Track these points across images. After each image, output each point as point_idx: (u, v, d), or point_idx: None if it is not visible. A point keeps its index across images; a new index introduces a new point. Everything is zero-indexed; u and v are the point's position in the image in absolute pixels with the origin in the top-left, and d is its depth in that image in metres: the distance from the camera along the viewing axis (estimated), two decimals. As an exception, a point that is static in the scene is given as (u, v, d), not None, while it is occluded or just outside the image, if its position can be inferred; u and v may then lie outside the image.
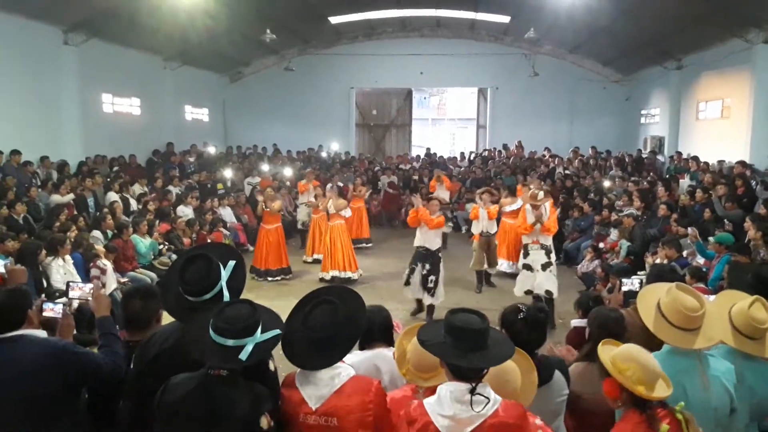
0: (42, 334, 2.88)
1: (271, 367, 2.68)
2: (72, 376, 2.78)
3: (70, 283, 3.50)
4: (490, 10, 18.29)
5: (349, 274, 10.37)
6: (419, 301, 8.60)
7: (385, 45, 21.41)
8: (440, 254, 8.54)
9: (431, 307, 8.47)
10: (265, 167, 17.06)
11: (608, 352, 2.63)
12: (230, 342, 2.35)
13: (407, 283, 8.52)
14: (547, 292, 8.03)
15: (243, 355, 2.34)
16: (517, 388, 2.60)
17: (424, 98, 30.26)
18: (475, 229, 10.16)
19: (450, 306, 3.10)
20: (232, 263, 2.76)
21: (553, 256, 8.36)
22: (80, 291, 3.46)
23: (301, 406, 2.58)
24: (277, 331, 2.50)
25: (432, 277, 8.28)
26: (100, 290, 3.35)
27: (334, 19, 19.13)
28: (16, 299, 2.85)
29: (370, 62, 21.33)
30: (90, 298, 3.31)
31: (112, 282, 7.93)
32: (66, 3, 11.86)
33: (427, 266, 8.31)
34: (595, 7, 13.32)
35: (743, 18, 12.58)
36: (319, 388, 2.58)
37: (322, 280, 10.24)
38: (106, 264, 7.95)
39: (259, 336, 2.42)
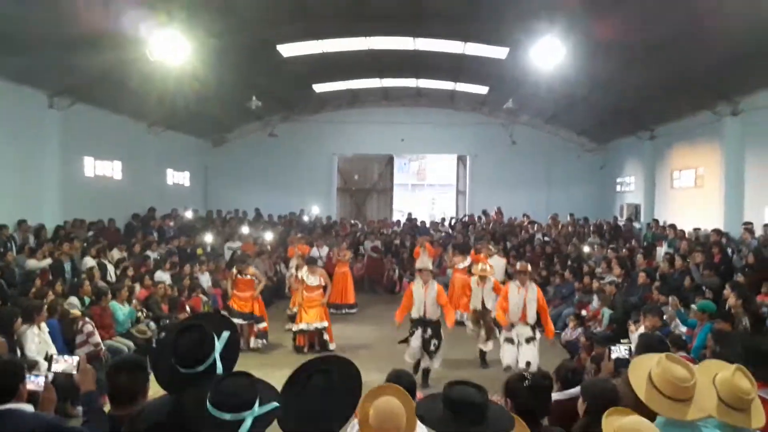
0: (29, 408, 2.79)
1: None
2: None
3: (54, 356, 3.36)
4: (469, 81, 18.90)
5: (323, 324, 10.41)
6: (417, 365, 8.67)
7: (367, 113, 21.92)
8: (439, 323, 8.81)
9: (427, 371, 8.60)
10: (245, 229, 17.02)
11: (615, 421, 2.59)
12: (228, 416, 2.28)
13: (405, 341, 8.75)
14: (527, 363, 8.06)
15: (243, 430, 2.28)
16: None
17: (405, 164, 30.78)
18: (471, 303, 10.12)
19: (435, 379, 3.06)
20: (226, 334, 2.71)
21: (538, 332, 8.42)
22: (65, 363, 3.31)
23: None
24: (275, 404, 2.44)
25: (435, 341, 8.57)
26: (86, 363, 3.23)
27: (319, 87, 19.61)
28: (8, 372, 2.77)
29: (352, 129, 21.78)
30: (75, 371, 3.19)
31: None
32: (56, 70, 12.00)
33: (429, 331, 8.59)
34: (571, 79, 13.84)
35: (712, 91, 13.16)
36: None
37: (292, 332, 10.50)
38: (92, 325, 7.90)
39: (258, 409, 2.36)
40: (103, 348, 7.96)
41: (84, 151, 14.93)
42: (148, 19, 10.05)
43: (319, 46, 15.12)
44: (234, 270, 10.74)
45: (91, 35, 10.42)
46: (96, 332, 8.00)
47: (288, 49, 14.92)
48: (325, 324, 10.43)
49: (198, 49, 10.96)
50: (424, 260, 12.39)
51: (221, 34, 11.94)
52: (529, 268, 8.79)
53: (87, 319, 8.05)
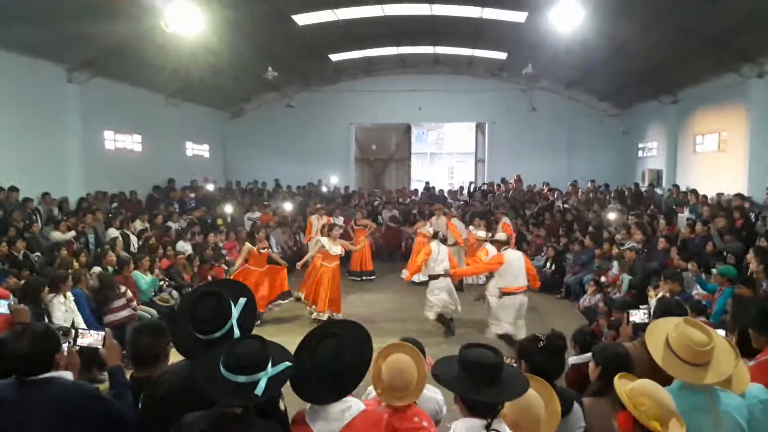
0: (69, 376, 2.82)
1: (281, 406, 2.66)
2: (98, 423, 2.72)
3: (80, 330, 3.36)
4: (487, 47, 18.59)
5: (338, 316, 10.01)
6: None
7: (384, 81, 21.72)
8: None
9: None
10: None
11: (624, 385, 2.62)
12: (242, 378, 2.33)
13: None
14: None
15: (258, 391, 2.32)
16: (541, 415, 2.59)
17: (423, 133, 30.53)
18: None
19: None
20: (243, 300, 2.74)
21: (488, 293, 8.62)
22: (90, 338, 3.32)
23: (313, 442, 2.55)
24: (288, 363, 2.48)
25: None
26: (111, 338, 3.28)
27: (335, 57, 19.45)
28: (47, 342, 2.78)
29: (369, 98, 21.60)
30: (101, 346, 3.22)
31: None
32: (73, 43, 12.06)
33: None
34: (591, 42, 13.54)
35: (737, 53, 12.79)
36: (330, 423, 2.57)
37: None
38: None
39: (271, 370, 2.40)
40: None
41: (104, 125, 15.07)
42: (162, -11, 10.01)
43: (335, 14, 14.95)
44: (249, 246, 10.27)
45: (105, 3, 10.41)
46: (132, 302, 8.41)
47: (303, 19, 14.77)
48: (339, 316, 10.07)
49: (212, 20, 10.89)
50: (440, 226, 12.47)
51: (236, 4, 11.84)
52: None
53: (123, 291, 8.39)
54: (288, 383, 2.54)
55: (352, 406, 2.62)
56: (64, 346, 3.24)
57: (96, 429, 2.74)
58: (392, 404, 2.94)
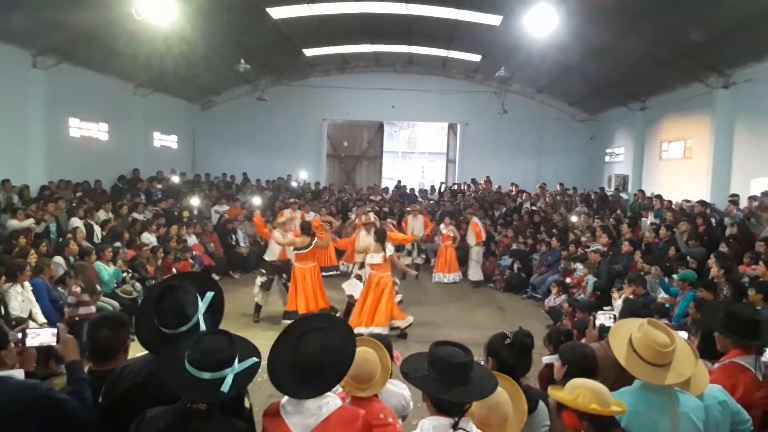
0: (20, 374, 2.70)
1: (246, 404, 2.61)
2: (51, 425, 2.61)
3: (28, 330, 3.13)
4: (462, 48, 18.68)
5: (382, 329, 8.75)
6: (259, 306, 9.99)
7: (357, 78, 21.65)
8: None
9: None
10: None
11: (557, 391, 2.70)
12: (207, 375, 2.27)
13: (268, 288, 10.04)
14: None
15: (225, 387, 2.26)
16: (508, 413, 2.60)
17: (395, 131, 30.59)
18: None
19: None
20: (210, 295, 2.68)
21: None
22: (41, 337, 3.08)
23: (286, 437, 2.50)
24: (255, 359, 2.42)
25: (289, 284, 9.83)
26: (66, 332, 3.11)
27: (308, 52, 19.31)
28: None
29: (342, 95, 21.52)
30: (54, 343, 3.05)
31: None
32: (39, 28, 11.72)
33: (285, 276, 10.03)
34: (564, 48, 13.69)
35: (704, 64, 13.08)
36: (306, 417, 2.51)
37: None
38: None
39: (237, 366, 2.34)
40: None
41: (69, 112, 14.71)
42: (133, -25, 9.78)
43: (310, 8, 14.82)
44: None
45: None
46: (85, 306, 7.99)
47: (278, 12, 14.62)
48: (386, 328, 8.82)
49: (185, 8, 10.69)
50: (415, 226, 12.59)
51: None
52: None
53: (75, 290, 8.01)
54: (262, 378, 2.49)
55: (329, 401, 2.56)
56: (12, 345, 3.07)
57: (49, 430, 2.63)
58: (355, 395, 2.96)
